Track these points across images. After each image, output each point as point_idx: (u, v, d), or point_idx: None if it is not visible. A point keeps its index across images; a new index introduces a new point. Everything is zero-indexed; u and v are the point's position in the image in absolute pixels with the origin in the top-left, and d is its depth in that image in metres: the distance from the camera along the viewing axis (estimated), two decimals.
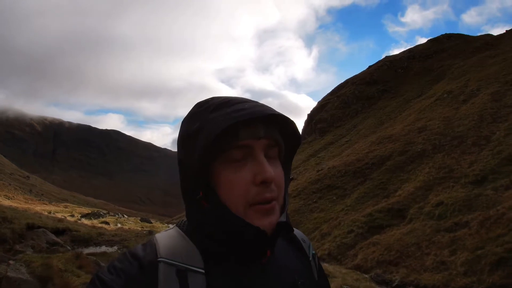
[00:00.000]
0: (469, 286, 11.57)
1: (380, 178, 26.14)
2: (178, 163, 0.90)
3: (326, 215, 25.49)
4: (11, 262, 7.21)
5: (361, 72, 70.94)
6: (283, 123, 0.89)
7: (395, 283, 13.82)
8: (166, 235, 0.91)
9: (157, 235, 0.91)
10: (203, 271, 0.83)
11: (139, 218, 44.43)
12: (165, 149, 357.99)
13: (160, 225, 42.47)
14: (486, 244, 13.00)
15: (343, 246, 19.40)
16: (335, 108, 63.41)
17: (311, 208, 28.24)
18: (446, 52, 59.93)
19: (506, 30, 57.51)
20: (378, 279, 14.40)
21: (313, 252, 1.09)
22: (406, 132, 31.38)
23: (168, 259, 0.82)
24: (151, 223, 41.00)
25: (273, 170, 0.85)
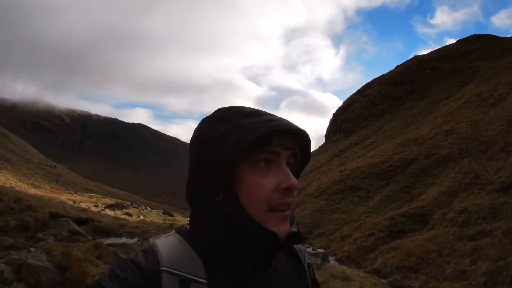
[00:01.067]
0: None
1: (404, 181, 25.72)
2: (196, 164, 0.89)
3: (347, 217, 25.27)
4: (32, 249, 7.43)
5: (389, 71, 69.95)
6: (303, 139, 0.93)
7: None
8: (167, 241, 0.89)
9: (157, 242, 0.89)
10: (205, 281, 0.82)
11: (162, 211, 45.08)
12: None
13: (182, 218, 42.90)
14: (509, 255, 12.71)
15: (363, 249, 19.19)
16: (361, 108, 62.69)
17: (332, 209, 28.05)
18: (476, 53, 58.45)
19: None
20: (397, 285, 14.15)
21: (308, 261, 1.10)
22: (432, 135, 30.75)
23: (170, 268, 0.81)
24: (173, 216, 41.54)
25: None
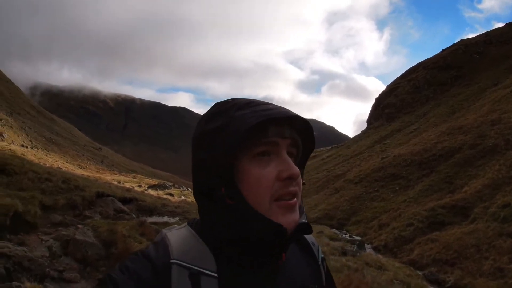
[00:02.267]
0: None
1: (447, 171, 25.01)
2: (197, 160, 0.90)
3: (386, 205, 24.97)
4: (79, 226, 7.95)
5: (434, 55, 66.64)
6: (303, 126, 0.92)
7: (448, 285, 13.35)
8: (178, 234, 0.90)
9: (169, 234, 0.90)
10: (216, 274, 0.82)
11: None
12: None
13: None
14: None
15: (400, 239, 18.98)
16: (405, 93, 60.77)
17: (372, 196, 27.77)
18: None
19: None
20: (431, 278, 13.95)
21: (322, 256, 1.09)
22: (478, 124, 29.52)
23: (181, 261, 0.82)
24: None
25: None
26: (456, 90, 51.04)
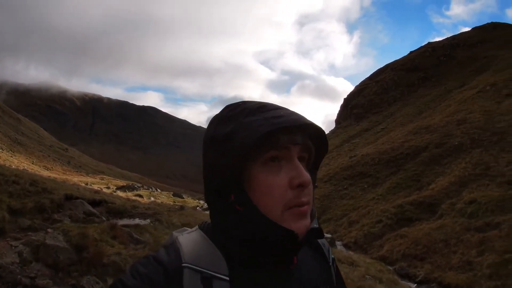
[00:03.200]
0: None
1: (414, 169, 25.70)
2: (207, 165, 0.89)
3: (355, 203, 25.39)
4: (49, 230, 7.67)
5: (402, 57, 68.67)
6: (315, 132, 0.90)
7: (419, 279, 13.74)
8: (189, 238, 0.89)
9: (180, 238, 0.89)
10: (228, 278, 0.81)
11: (172, 192, 45.65)
12: (200, 126, 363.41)
13: (192, 200, 43.49)
14: None
15: (370, 235, 19.36)
16: (373, 94, 62.03)
17: (341, 194, 28.16)
18: (492, 42, 57.19)
19: None
20: (402, 273, 14.33)
21: (333, 256, 1.08)
22: (444, 124, 30.50)
23: (193, 265, 0.81)
24: (183, 198, 42.09)
25: None
26: (423, 91, 52.53)
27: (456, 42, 63.00)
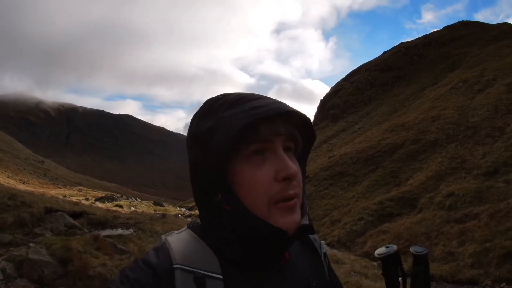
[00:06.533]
0: (476, 279, 11.64)
1: (391, 166, 26.11)
2: (191, 164, 0.86)
3: (336, 202, 25.58)
4: (31, 244, 7.52)
5: (376, 58, 69.66)
6: (299, 120, 0.87)
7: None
8: (179, 238, 0.86)
9: (169, 239, 0.86)
10: (221, 276, 0.79)
11: (152, 201, 45.15)
12: (177, 133, 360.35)
13: (173, 208, 43.16)
14: (495, 237, 12.99)
15: (353, 233, 19.57)
16: (348, 94, 62.69)
17: (321, 194, 28.30)
18: (463, 40, 58.67)
19: None
20: None
21: (324, 251, 1.06)
22: (419, 121, 31.12)
23: (184, 265, 0.79)
24: (164, 206, 41.71)
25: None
26: (397, 90, 53.43)
27: (428, 41, 64.32)
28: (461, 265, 12.62)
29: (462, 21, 69.17)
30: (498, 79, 31.46)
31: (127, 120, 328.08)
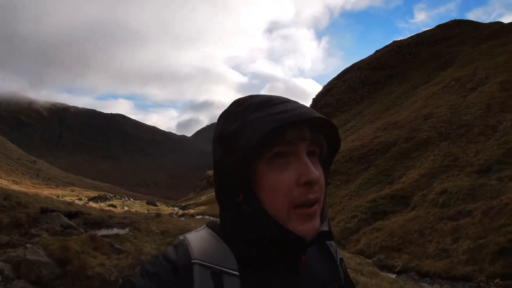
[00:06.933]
0: (470, 275, 11.79)
1: (384, 164, 26.25)
2: (216, 164, 0.87)
3: (330, 200, 25.61)
4: (28, 245, 7.50)
5: (368, 56, 69.79)
6: (325, 125, 0.87)
7: (397, 269, 14.10)
8: (198, 236, 0.88)
9: (188, 236, 0.88)
10: (237, 273, 0.81)
11: (145, 201, 45.13)
12: (169, 132, 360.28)
13: (166, 208, 43.09)
14: (489, 233, 13.15)
15: (347, 231, 19.68)
16: (340, 93, 62.79)
17: None
18: (455, 39, 58.96)
19: None
20: (381, 264, 14.71)
21: (340, 257, 1.07)
22: (412, 119, 31.30)
23: (202, 260, 0.80)
24: (157, 206, 41.68)
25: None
26: (390, 88, 53.63)
27: (420, 40, 64.58)
28: (455, 262, 12.76)
29: (455, 20, 69.63)
30: (491, 78, 31.66)
31: (119, 120, 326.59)
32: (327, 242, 1.04)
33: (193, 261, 0.80)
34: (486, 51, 43.10)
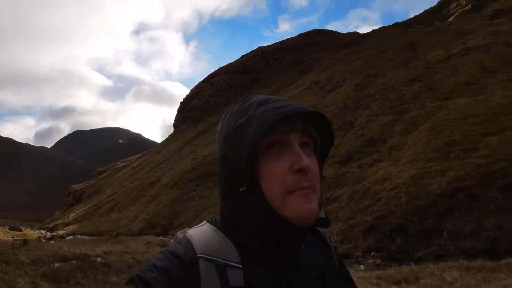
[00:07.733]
0: (347, 252, 12.56)
1: None
2: (221, 158, 0.90)
3: (205, 202, 25.55)
4: None
5: (234, 61, 72.44)
6: (320, 121, 0.91)
7: None
8: (200, 231, 0.89)
9: (190, 231, 0.89)
10: (240, 266, 0.81)
11: (8, 226, 40.89)
12: (27, 144, 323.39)
13: (32, 232, 39.03)
14: (356, 214, 14.28)
15: None
16: (208, 96, 63.84)
17: (189, 196, 28.08)
18: (316, 46, 64.28)
19: (372, 30, 63.39)
20: None
21: (334, 245, 1.07)
22: None
23: (206, 254, 0.81)
24: (22, 231, 38.04)
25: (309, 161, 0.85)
26: (255, 91, 55.94)
27: (283, 47, 69.30)
28: None
29: (316, 29, 76.21)
30: (347, 80, 34.96)
31: None
32: (321, 230, 1.04)
33: (198, 255, 0.81)
34: (343, 57, 47.32)
